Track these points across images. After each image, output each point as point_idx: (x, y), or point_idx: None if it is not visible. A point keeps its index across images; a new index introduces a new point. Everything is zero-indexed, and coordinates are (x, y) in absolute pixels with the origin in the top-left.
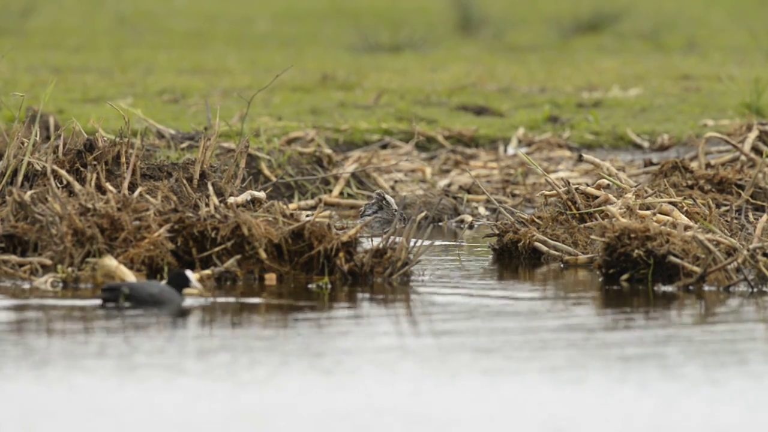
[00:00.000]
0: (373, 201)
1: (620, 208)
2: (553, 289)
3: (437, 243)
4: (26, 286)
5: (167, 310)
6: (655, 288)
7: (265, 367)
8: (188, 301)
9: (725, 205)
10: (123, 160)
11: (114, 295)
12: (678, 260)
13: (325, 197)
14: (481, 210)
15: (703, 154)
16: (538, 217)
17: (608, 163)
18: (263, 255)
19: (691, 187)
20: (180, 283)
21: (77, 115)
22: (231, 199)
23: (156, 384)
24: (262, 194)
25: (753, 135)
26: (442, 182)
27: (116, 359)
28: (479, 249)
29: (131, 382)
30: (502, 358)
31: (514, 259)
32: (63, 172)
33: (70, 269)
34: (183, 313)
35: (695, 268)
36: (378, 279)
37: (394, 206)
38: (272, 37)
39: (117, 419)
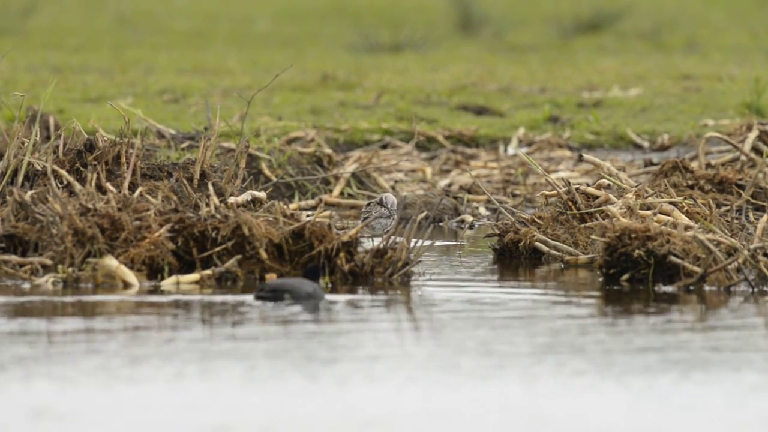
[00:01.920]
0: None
1: (621, 208)
2: (554, 289)
3: (438, 243)
4: (26, 286)
5: (319, 304)
6: (656, 288)
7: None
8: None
9: (726, 205)
10: (123, 160)
11: (275, 295)
12: (678, 260)
13: (325, 197)
14: (482, 210)
15: (704, 154)
16: (539, 217)
17: (608, 163)
18: (264, 255)
19: (691, 187)
20: (315, 277)
21: (77, 115)
22: (231, 199)
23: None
24: (262, 194)
25: (753, 135)
26: (443, 182)
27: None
28: (480, 249)
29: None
30: (502, 358)
31: (514, 259)
32: (63, 172)
33: (70, 269)
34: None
35: (696, 268)
36: (379, 279)
37: (393, 205)
38: (272, 36)
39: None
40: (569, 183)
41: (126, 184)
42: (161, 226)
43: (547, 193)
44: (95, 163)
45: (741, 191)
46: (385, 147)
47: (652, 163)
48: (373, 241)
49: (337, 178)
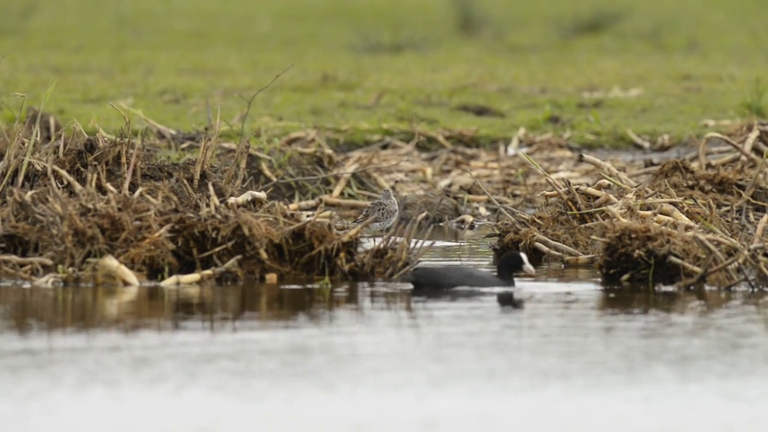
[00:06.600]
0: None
1: (621, 209)
2: (554, 288)
3: (438, 243)
4: (27, 285)
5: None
6: (656, 288)
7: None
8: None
9: (726, 206)
10: (124, 160)
11: (425, 279)
12: (679, 260)
13: (325, 197)
14: (482, 210)
15: (704, 154)
16: (539, 218)
17: (609, 164)
18: (264, 255)
19: (691, 188)
20: (513, 264)
21: (78, 116)
22: (231, 200)
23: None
24: (262, 194)
25: (753, 135)
26: (443, 182)
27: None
28: (480, 249)
29: None
30: (503, 359)
31: None
32: (64, 172)
33: (70, 269)
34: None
35: (696, 269)
36: (379, 279)
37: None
38: (273, 37)
39: None
40: (569, 183)
41: (126, 185)
42: (161, 226)
43: (548, 193)
44: (95, 163)
45: (741, 191)
46: (385, 147)
47: (652, 164)
48: (374, 240)
49: (337, 178)
